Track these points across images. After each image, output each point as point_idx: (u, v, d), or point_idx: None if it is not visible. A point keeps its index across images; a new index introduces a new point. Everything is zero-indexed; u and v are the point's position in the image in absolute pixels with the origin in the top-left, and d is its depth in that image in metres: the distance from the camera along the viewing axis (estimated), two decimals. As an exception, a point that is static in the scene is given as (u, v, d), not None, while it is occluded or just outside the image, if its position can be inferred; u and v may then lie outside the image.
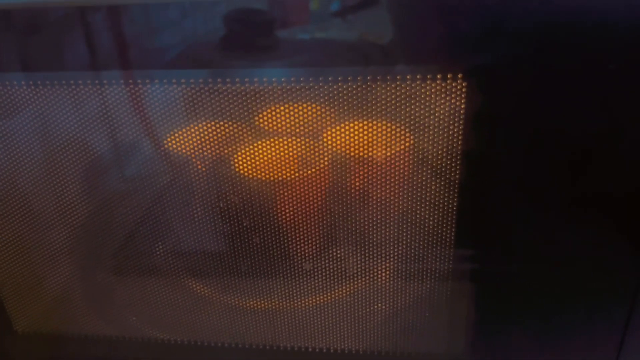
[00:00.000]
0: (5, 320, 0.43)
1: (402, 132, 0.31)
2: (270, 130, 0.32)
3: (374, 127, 0.31)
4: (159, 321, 0.42)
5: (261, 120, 0.32)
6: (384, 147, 0.31)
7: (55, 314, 0.43)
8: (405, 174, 0.32)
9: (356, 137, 0.31)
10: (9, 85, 0.33)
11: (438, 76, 0.28)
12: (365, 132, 0.31)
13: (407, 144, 0.31)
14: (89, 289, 0.42)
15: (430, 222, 0.33)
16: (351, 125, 0.31)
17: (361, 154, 0.32)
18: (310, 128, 0.32)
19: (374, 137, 0.31)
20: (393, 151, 0.31)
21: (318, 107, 0.31)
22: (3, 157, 0.36)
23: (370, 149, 0.32)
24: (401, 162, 0.32)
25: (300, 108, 0.31)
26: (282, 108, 0.31)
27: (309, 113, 0.31)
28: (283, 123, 0.32)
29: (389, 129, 0.31)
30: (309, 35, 0.29)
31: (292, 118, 0.31)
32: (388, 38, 0.28)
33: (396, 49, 0.29)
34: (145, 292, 0.41)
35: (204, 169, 0.35)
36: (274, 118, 0.32)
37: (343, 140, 0.32)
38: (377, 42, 0.29)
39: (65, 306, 0.43)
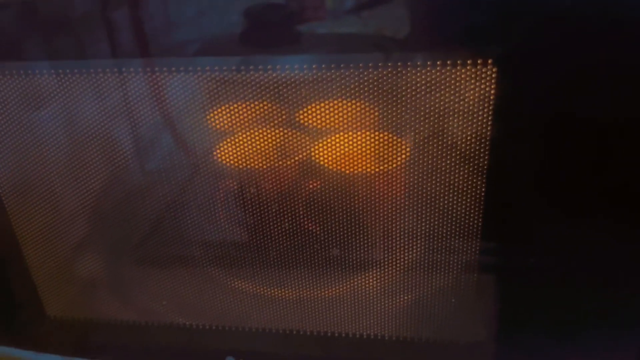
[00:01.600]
0: (39, 304, 0.44)
1: (431, 118, 0.30)
2: (296, 120, 0.32)
3: (403, 113, 0.31)
4: (184, 308, 0.42)
5: (286, 109, 0.32)
6: (413, 133, 0.31)
7: (84, 299, 0.44)
8: (434, 159, 0.32)
9: (385, 123, 0.31)
10: (37, 74, 0.34)
11: (468, 62, 0.28)
12: (395, 118, 0.31)
13: (435, 130, 0.31)
14: (116, 276, 0.43)
15: (459, 209, 0.33)
16: (381, 110, 0.31)
17: (389, 140, 0.32)
18: (339, 116, 0.32)
19: (404, 123, 0.31)
20: (421, 137, 0.31)
21: (347, 93, 0.30)
22: (32, 148, 0.37)
23: (399, 135, 0.32)
24: (430, 148, 0.32)
25: (327, 96, 0.31)
26: (306, 97, 0.31)
27: (337, 101, 0.31)
28: (308, 113, 0.32)
29: (417, 115, 0.30)
30: (326, 30, 0.29)
31: (316, 107, 0.31)
32: (409, 29, 0.28)
33: (425, 35, 0.28)
34: (171, 280, 0.41)
35: (229, 159, 0.35)
36: (299, 106, 0.32)
37: (372, 126, 0.32)
38: (398, 34, 0.28)
39: (94, 292, 0.44)
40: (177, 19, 0.30)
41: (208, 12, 0.30)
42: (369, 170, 0.34)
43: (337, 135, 0.33)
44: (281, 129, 0.33)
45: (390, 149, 0.32)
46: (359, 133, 0.32)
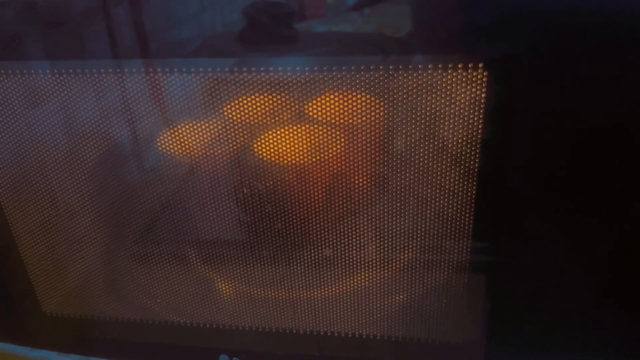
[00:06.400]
0: (35, 302, 0.44)
1: (423, 121, 0.31)
2: (291, 117, 0.33)
3: (394, 116, 0.31)
4: (179, 306, 0.42)
5: (282, 108, 0.32)
6: (403, 135, 0.32)
7: (80, 296, 0.44)
8: (425, 162, 0.32)
9: (377, 125, 0.32)
10: (34, 74, 0.34)
11: (459, 66, 0.28)
12: (386, 121, 0.31)
13: (426, 133, 0.31)
14: (111, 274, 0.43)
15: (450, 210, 0.33)
16: (372, 113, 0.31)
17: (381, 141, 0.32)
18: (330, 115, 0.32)
19: (394, 126, 0.31)
20: (413, 140, 0.32)
21: (340, 96, 0.31)
22: (29, 145, 0.37)
23: (390, 137, 0.32)
24: (421, 150, 0.32)
25: (322, 96, 0.31)
26: (302, 95, 0.31)
27: (331, 101, 0.31)
28: (303, 110, 0.32)
29: (410, 118, 0.31)
30: (326, 28, 0.29)
31: (313, 105, 0.32)
32: (409, 28, 0.28)
33: (417, 39, 0.29)
34: (166, 278, 0.41)
35: (225, 157, 0.35)
36: (295, 106, 0.32)
37: (364, 127, 0.32)
38: (397, 33, 0.29)
39: (89, 289, 0.44)
40: (177, 18, 0.30)
41: (208, 9, 0.30)
42: (360, 171, 0.34)
43: (331, 137, 0.33)
44: (279, 127, 0.34)
45: (379, 152, 0.33)
46: (351, 135, 0.32)
